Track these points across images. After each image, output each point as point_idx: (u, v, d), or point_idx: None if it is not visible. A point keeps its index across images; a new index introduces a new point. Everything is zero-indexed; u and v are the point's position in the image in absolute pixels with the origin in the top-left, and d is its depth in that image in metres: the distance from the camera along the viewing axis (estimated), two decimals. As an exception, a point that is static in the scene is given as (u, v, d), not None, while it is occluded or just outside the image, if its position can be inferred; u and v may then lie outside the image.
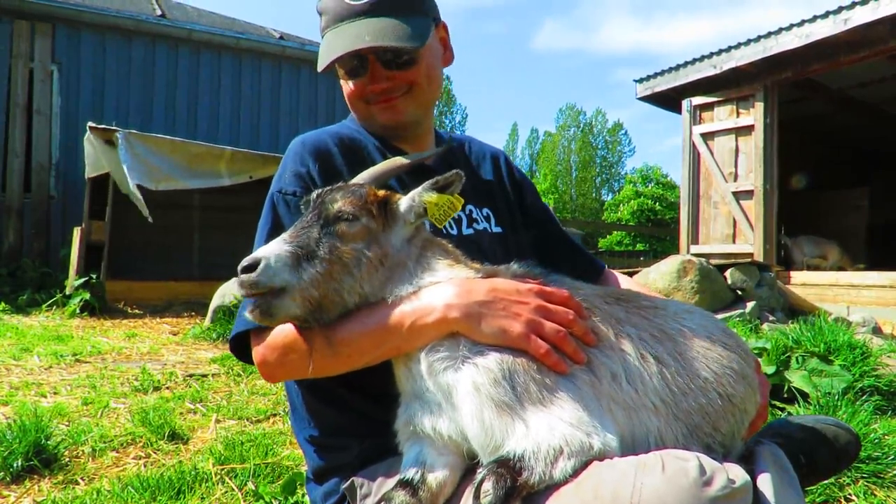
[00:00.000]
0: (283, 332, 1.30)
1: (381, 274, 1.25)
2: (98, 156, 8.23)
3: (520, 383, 1.12)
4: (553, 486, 1.05)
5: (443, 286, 1.24)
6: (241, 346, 1.43)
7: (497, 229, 1.66)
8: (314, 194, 1.30)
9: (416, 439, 1.25)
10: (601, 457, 1.07)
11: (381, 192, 1.30)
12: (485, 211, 1.67)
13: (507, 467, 1.04)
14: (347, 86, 1.59)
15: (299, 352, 1.28)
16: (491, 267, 1.36)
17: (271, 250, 1.17)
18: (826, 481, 2.34)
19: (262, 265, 1.15)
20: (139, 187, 7.22)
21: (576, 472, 1.05)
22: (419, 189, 1.29)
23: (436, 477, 1.20)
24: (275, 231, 1.41)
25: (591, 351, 1.20)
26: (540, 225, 1.81)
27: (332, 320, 1.23)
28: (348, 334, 1.24)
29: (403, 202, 1.30)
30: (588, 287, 1.40)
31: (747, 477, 1.05)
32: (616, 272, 1.89)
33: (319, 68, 1.51)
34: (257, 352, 1.35)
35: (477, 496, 1.02)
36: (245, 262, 1.16)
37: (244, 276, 1.15)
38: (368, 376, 1.32)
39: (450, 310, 1.19)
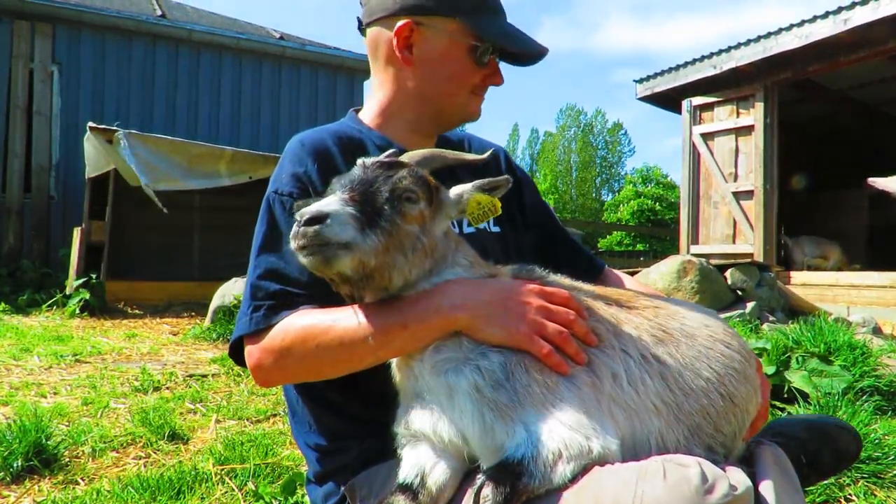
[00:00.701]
0: (280, 335, 1.28)
1: (427, 263, 1.23)
2: (99, 156, 8.22)
3: (522, 384, 1.11)
4: (554, 492, 1.04)
5: (446, 286, 1.23)
6: (238, 351, 1.40)
7: (496, 229, 1.65)
8: (367, 161, 1.22)
9: (416, 442, 1.24)
10: (601, 460, 1.06)
11: (432, 179, 1.27)
12: None
13: (506, 472, 1.03)
14: (468, 70, 1.52)
15: (296, 356, 1.26)
16: (493, 267, 1.35)
17: (336, 207, 1.10)
18: (826, 481, 2.34)
19: (330, 219, 1.08)
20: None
21: (575, 476, 1.04)
22: (469, 186, 1.28)
23: (436, 480, 1.19)
24: (271, 233, 1.39)
25: (592, 352, 1.19)
26: (540, 223, 1.79)
27: (374, 295, 1.21)
28: (351, 337, 1.22)
29: (452, 195, 1.28)
30: (588, 287, 1.39)
31: (749, 482, 1.05)
32: (617, 271, 1.88)
33: (512, 47, 1.51)
34: (252, 355, 1.32)
35: (477, 502, 1.01)
36: (309, 213, 1.07)
37: (308, 228, 1.07)
38: (367, 378, 1.31)
39: (453, 310, 1.19)
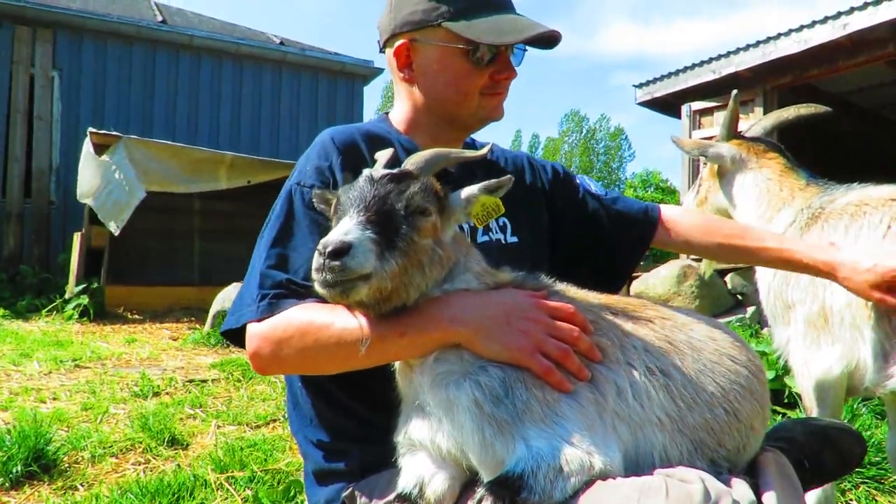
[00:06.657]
0: (282, 327, 1.28)
1: (442, 273, 1.22)
2: (82, 167, 8.12)
3: (521, 401, 1.11)
4: None
5: (449, 298, 1.22)
6: (233, 331, 1.39)
7: (513, 239, 1.63)
8: (375, 174, 1.20)
9: (416, 451, 1.24)
10: (603, 476, 1.06)
11: (439, 186, 1.25)
12: (501, 220, 1.62)
13: (506, 486, 1.02)
14: (467, 74, 1.50)
15: (294, 348, 1.26)
16: (500, 274, 1.34)
17: (358, 234, 1.08)
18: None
19: (354, 251, 1.05)
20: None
21: (577, 492, 1.04)
22: (475, 189, 1.27)
23: (434, 490, 1.19)
24: (288, 224, 1.39)
25: (595, 367, 1.18)
26: (575, 215, 1.75)
27: (388, 313, 1.19)
28: (348, 337, 1.22)
29: (459, 200, 1.27)
30: (594, 297, 1.37)
31: (752, 497, 1.05)
32: (676, 209, 1.82)
33: (498, 42, 1.46)
34: (252, 341, 1.32)
35: None
36: (333, 245, 1.05)
37: (334, 262, 1.05)
38: (376, 382, 1.31)
39: (453, 323, 1.18)
